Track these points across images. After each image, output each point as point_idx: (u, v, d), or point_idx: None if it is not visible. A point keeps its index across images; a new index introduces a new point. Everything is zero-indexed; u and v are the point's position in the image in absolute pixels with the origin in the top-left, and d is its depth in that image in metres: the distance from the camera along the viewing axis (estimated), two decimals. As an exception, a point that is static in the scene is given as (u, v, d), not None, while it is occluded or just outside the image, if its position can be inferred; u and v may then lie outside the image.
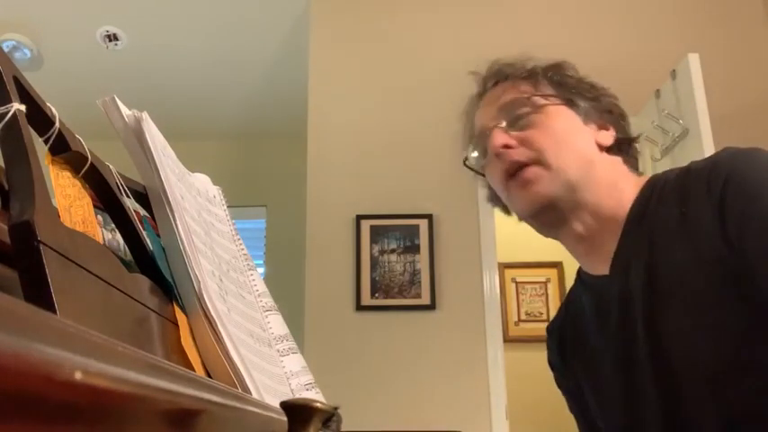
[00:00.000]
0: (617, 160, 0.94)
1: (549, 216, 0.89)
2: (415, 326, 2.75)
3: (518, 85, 0.94)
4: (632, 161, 0.96)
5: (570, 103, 0.93)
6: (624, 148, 0.95)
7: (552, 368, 1.06)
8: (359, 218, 2.86)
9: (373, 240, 2.84)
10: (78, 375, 0.15)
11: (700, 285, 0.77)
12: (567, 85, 0.95)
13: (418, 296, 2.78)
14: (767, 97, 3.01)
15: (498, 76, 0.97)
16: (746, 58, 3.10)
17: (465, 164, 1.01)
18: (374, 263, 2.82)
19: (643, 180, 0.92)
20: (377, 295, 2.78)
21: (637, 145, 0.98)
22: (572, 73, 0.97)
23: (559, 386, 1.06)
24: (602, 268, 0.90)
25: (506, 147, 0.89)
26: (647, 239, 0.84)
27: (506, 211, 1.00)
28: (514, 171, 0.89)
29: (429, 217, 2.86)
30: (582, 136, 0.92)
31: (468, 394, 2.66)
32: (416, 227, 2.85)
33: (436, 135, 2.96)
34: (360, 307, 2.76)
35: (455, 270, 2.82)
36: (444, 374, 2.68)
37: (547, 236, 0.95)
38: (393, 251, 2.83)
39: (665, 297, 0.80)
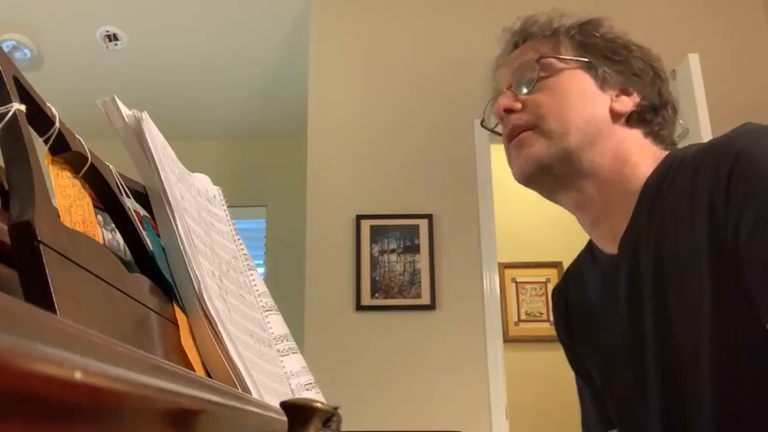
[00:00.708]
0: (635, 133, 0.88)
1: (545, 181, 0.88)
2: (415, 326, 2.75)
3: (538, 46, 0.91)
4: (659, 133, 0.90)
5: (588, 66, 0.89)
6: (648, 116, 0.89)
7: (561, 342, 1.03)
8: (359, 218, 2.86)
9: (373, 240, 2.84)
10: (78, 375, 0.15)
11: (702, 270, 0.73)
12: (589, 45, 0.90)
13: (418, 296, 2.78)
14: (767, 97, 3.01)
15: (522, 34, 0.94)
16: (746, 58, 3.09)
17: (482, 124, 1.01)
18: (374, 263, 2.82)
19: (664, 155, 0.87)
20: (377, 295, 2.78)
21: (669, 112, 0.92)
22: (602, 32, 0.92)
23: (570, 361, 1.03)
24: (610, 246, 0.87)
25: (509, 110, 0.88)
26: (660, 219, 0.80)
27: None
28: (515, 135, 0.88)
29: (429, 217, 2.86)
30: (593, 103, 0.87)
31: (468, 394, 2.66)
32: (416, 227, 2.85)
33: (436, 135, 2.96)
34: (360, 307, 2.76)
35: (455, 270, 2.82)
36: (444, 374, 2.68)
37: (549, 200, 0.94)
38: (393, 251, 2.83)
39: (672, 282, 0.77)
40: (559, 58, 0.89)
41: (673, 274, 0.77)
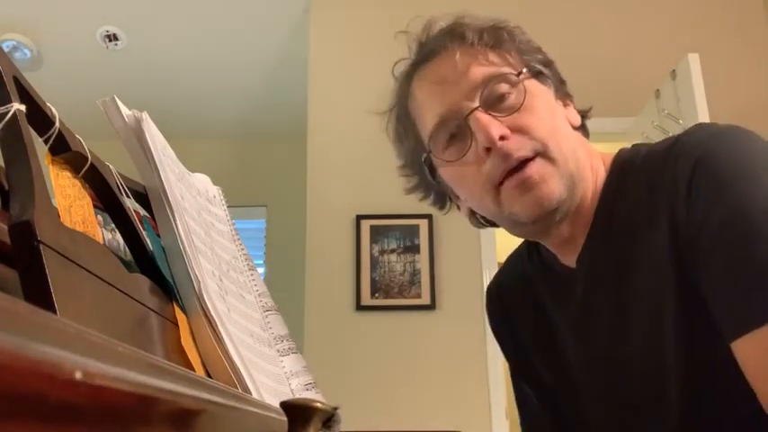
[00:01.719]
0: (582, 138, 0.80)
1: (548, 221, 0.75)
2: (415, 326, 2.75)
3: (482, 55, 0.75)
4: (586, 134, 0.82)
5: (540, 77, 0.78)
6: (583, 122, 0.81)
7: (496, 335, 0.96)
8: (359, 218, 2.86)
9: (373, 240, 2.84)
10: (78, 375, 0.15)
11: (663, 281, 0.69)
12: (530, 52, 0.79)
13: (418, 296, 2.78)
14: (767, 97, 3.01)
15: (451, 38, 0.77)
16: (746, 58, 3.10)
17: (422, 161, 0.80)
18: (374, 263, 2.82)
19: (608, 157, 0.79)
20: (377, 295, 2.78)
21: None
22: (526, 35, 0.80)
23: (505, 352, 0.95)
24: (569, 259, 0.80)
25: (503, 138, 0.71)
26: (616, 231, 0.75)
27: (475, 217, 0.84)
28: (517, 167, 0.72)
29: (429, 217, 2.86)
30: (561, 117, 0.78)
31: (468, 394, 2.66)
32: (416, 227, 2.85)
33: (436, 135, 2.96)
34: (360, 307, 2.76)
35: (455, 270, 2.82)
36: (444, 374, 2.68)
37: (529, 238, 0.84)
38: (393, 251, 2.83)
39: (633, 293, 0.73)
40: (520, 70, 0.76)
41: (630, 294, 0.73)
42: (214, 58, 3.66)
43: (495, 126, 0.71)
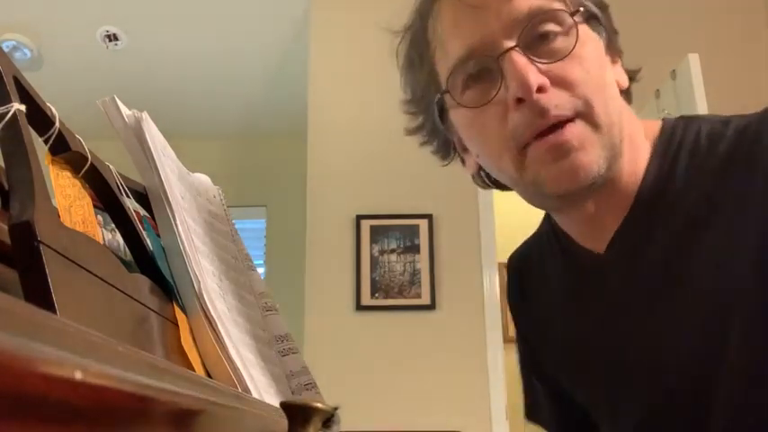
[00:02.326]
0: (627, 106, 0.68)
1: (578, 196, 0.64)
2: (415, 326, 2.75)
3: None
4: (629, 99, 0.70)
5: (593, 22, 0.65)
6: (629, 84, 0.70)
7: (521, 340, 0.89)
8: (359, 218, 2.86)
9: (373, 240, 2.84)
10: (78, 375, 0.15)
11: (729, 287, 0.61)
12: None
13: (418, 296, 2.78)
14: (767, 97, 3.00)
15: None
16: (746, 58, 3.09)
17: (436, 102, 0.68)
18: (374, 263, 2.81)
19: (651, 129, 0.68)
20: (377, 295, 2.78)
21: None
22: None
23: (528, 363, 0.89)
24: (593, 243, 0.70)
25: (540, 89, 0.59)
26: (666, 221, 0.65)
27: (486, 179, 0.74)
28: (553, 126, 0.60)
29: (429, 217, 2.86)
30: (611, 75, 0.65)
31: (468, 394, 2.66)
32: (416, 227, 2.85)
33: (436, 135, 2.96)
34: (360, 307, 2.76)
35: (455, 270, 2.82)
36: (444, 374, 2.68)
37: (546, 210, 0.74)
38: (393, 251, 2.83)
39: (682, 297, 0.64)
40: (576, 11, 0.62)
41: (690, 282, 0.64)
42: (214, 59, 3.66)
43: (533, 73, 0.59)
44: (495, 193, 2.93)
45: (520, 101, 0.60)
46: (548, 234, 0.79)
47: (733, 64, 3.04)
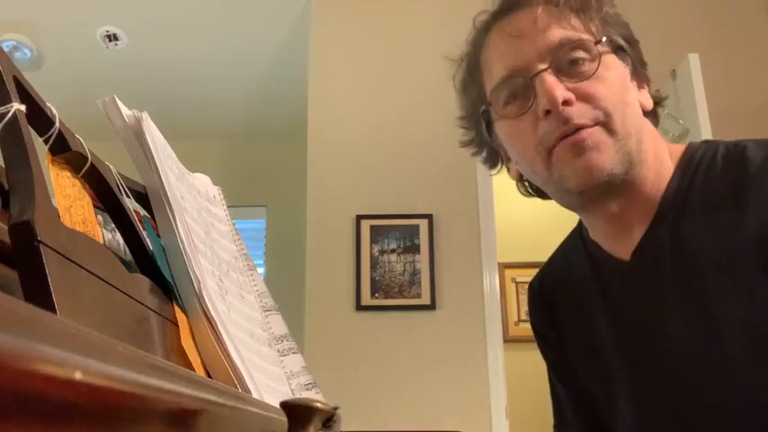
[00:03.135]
0: (650, 124, 0.78)
1: (596, 193, 0.73)
2: (415, 326, 2.75)
3: (565, 17, 0.74)
4: (656, 122, 0.80)
5: (620, 52, 0.76)
6: (655, 109, 0.80)
7: (535, 332, 0.94)
8: (359, 218, 2.86)
9: (373, 240, 2.84)
10: (78, 375, 0.15)
11: (743, 293, 0.68)
12: (616, 24, 0.77)
13: (418, 296, 2.77)
14: (767, 97, 3.01)
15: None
16: (746, 58, 3.09)
17: (480, 114, 0.80)
18: (374, 263, 2.81)
19: (677, 150, 0.78)
20: (377, 295, 2.78)
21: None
22: (612, 6, 0.78)
23: (544, 353, 0.94)
24: (620, 250, 0.78)
25: (566, 102, 0.70)
26: (689, 229, 0.72)
27: (523, 184, 0.85)
28: (572, 132, 0.70)
29: (429, 217, 2.86)
30: (634, 96, 0.76)
31: (468, 394, 2.66)
32: (416, 227, 2.85)
33: (437, 135, 2.96)
34: (360, 307, 2.76)
35: (455, 270, 2.82)
36: (444, 374, 2.68)
37: (573, 210, 0.81)
38: (393, 251, 2.83)
39: (705, 303, 0.70)
40: (601, 41, 0.74)
41: (713, 289, 0.70)
42: (214, 58, 3.66)
43: (560, 89, 0.70)
44: (496, 193, 2.94)
45: (548, 112, 0.71)
46: (575, 243, 0.88)
47: (733, 64, 3.04)
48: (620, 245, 0.78)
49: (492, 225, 2.88)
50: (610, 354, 0.81)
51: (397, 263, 2.82)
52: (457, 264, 2.83)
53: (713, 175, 0.73)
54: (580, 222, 0.87)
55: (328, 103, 3.07)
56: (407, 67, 3.08)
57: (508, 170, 0.87)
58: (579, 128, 0.70)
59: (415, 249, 2.83)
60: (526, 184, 0.85)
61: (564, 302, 0.89)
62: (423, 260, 2.81)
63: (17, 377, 0.13)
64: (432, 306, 2.76)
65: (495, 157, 0.87)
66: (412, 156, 2.96)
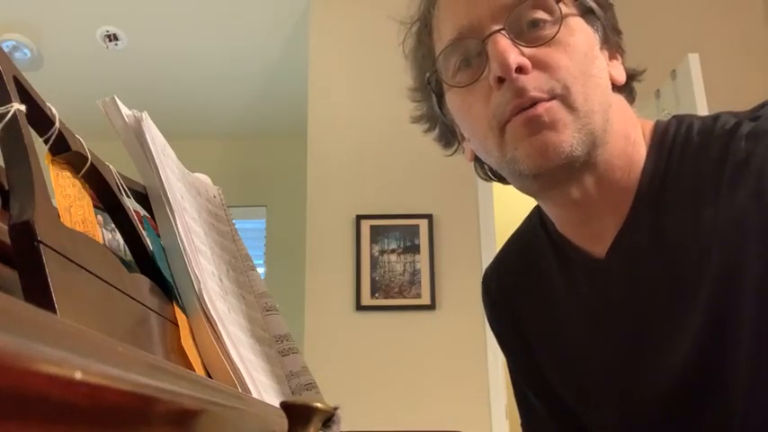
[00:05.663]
0: (624, 101, 0.69)
1: (554, 177, 0.64)
2: (415, 326, 2.75)
3: None
4: (631, 98, 0.70)
5: (588, 15, 0.66)
6: (630, 83, 0.70)
7: (497, 335, 0.88)
8: (359, 218, 2.86)
9: (373, 240, 2.84)
10: (78, 375, 0.15)
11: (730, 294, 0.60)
12: None
13: (418, 296, 2.77)
14: (767, 97, 3.00)
15: None
16: (746, 58, 3.09)
17: (428, 81, 0.72)
18: (374, 263, 2.81)
19: (647, 128, 0.69)
20: (377, 295, 2.78)
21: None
22: None
23: (507, 355, 0.87)
24: (593, 247, 0.70)
25: (520, 69, 0.61)
26: (671, 219, 0.64)
27: (481, 166, 0.75)
28: (528, 105, 0.61)
29: (429, 217, 2.86)
30: (599, 66, 0.65)
31: (468, 394, 2.66)
32: (416, 227, 2.85)
33: (436, 135, 2.96)
34: (360, 307, 2.76)
35: (455, 270, 2.82)
36: (444, 374, 2.68)
37: (530, 196, 0.71)
38: (393, 251, 2.83)
39: (688, 302, 0.63)
40: (567, 0, 0.64)
41: (697, 276, 0.63)
42: (214, 59, 3.66)
43: (513, 54, 0.61)
44: (496, 192, 2.93)
45: (500, 80, 0.62)
46: (536, 234, 0.78)
47: (733, 64, 3.04)
48: (591, 239, 0.70)
49: (492, 225, 2.88)
50: (581, 355, 0.75)
51: (397, 263, 2.82)
52: (457, 264, 2.83)
53: (690, 153, 0.65)
54: (538, 209, 0.78)
55: (328, 103, 3.07)
56: (407, 67, 3.08)
57: (463, 150, 0.77)
58: (535, 101, 0.61)
59: (415, 249, 2.83)
60: (485, 166, 0.75)
61: (527, 303, 0.82)
62: (423, 260, 2.81)
63: (17, 377, 0.13)
64: (432, 306, 2.76)
65: (449, 136, 0.77)
66: (412, 156, 2.96)
